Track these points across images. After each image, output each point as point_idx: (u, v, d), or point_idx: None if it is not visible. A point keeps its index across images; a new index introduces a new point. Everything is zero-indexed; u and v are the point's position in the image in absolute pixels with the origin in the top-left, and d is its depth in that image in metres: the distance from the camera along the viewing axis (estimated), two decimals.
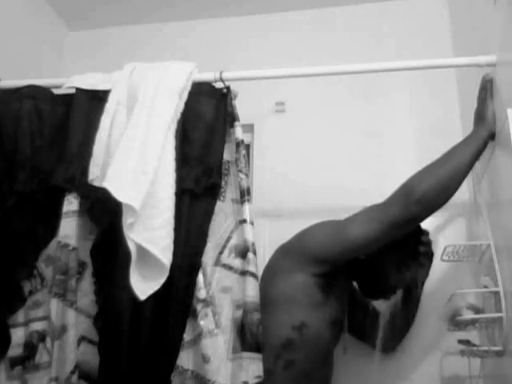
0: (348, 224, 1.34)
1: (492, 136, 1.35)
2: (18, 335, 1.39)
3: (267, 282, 1.41)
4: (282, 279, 1.37)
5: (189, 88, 1.48)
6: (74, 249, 1.38)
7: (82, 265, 1.41)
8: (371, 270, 1.48)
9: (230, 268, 1.35)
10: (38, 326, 1.38)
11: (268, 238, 1.90)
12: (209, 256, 1.36)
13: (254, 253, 1.33)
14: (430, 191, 1.25)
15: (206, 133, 1.45)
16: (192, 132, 1.45)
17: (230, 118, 1.47)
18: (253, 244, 1.33)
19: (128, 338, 1.28)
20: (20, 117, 1.51)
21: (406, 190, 1.28)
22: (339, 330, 1.46)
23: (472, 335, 1.57)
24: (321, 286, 1.35)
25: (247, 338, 1.25)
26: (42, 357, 1.36)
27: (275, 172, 2.06)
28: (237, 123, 1.46)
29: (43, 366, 1.35)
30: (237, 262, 1.35)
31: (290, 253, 1.41)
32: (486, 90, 1.38)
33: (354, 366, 1.70)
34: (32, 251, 1.43)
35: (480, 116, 1.39)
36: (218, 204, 1.41)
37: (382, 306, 1.65)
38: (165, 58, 1.57)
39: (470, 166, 1.31)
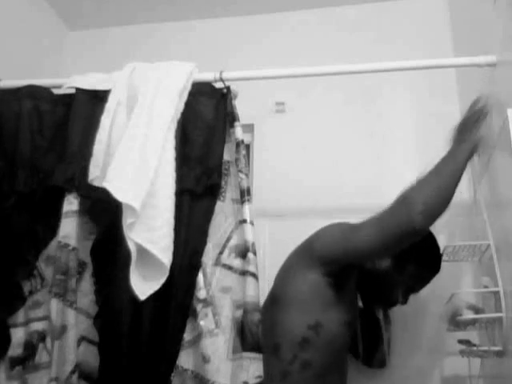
0: (355, 230, 1.33)
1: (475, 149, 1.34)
2: (17, 335, 1.39)
3: (282, 280, 1.42)
4: (295, 278, 1.38)
5: (189, 88, 1.48)
6: (74, 249, 1.38)
7: (81, 265, 1.41)
8: (381, 280, 1.48)
9: (229, 268, 1.35)
10: (38, 326, 1.38)
11: (268, 237, 1.90)
12: (209, 256, 1.36)
13: (254, 253, 1.33)
14: (432, 202, 1.25)
15: (206, 133, 1.45)
16: (192, 132, 1.45)
17: (230, 117, 1.47)
18: (253, 244, 1.33)
19: (128, 338, 1.28)
20: (20, 117, 1.51)
21: (407, 202, 1.26)
22: (352, 331, 1.46)
23: (472, 335, 1.57)
24: (332, 286, 1.35)
25: (247, 338, 1.25)
26: (41, 357, 1.36)
27: (275, 172, 2.06)
28: (237, 123, 1.46)
29: (43, 366, 1.35)
30: (237, 262, 1.35)
31: (301, 252, 1.42)
32: (484, 115, 1.35)
33: (363, 372, 1.71)
34: (32, 251, 1.43)
35: (467, 129, 1.35)
36: (218, 204, 1.41)
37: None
38: (165, 58, 1.57)
39: (462, 172, 1.31)
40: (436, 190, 1.27)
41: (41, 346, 1.36)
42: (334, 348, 1.36)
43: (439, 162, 1.32)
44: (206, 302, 1.31)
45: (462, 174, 1.30)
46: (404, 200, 1.28)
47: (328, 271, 1.35)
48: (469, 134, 1.33)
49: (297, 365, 1.31)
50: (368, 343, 1.65)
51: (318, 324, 1.33)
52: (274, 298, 1.40)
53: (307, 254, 1.39)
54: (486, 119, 1.34)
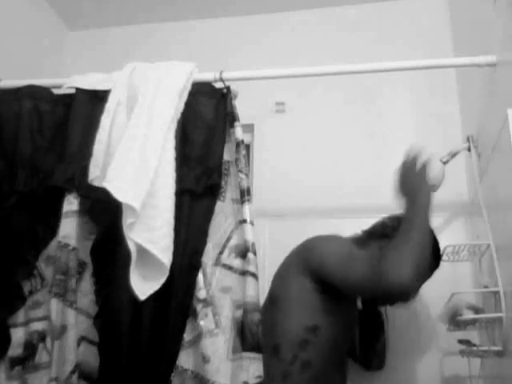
0: (353, 258, 1.30)
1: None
2: (17, 335, 1.39)
3: (280, 281, 1.41)
4: (293, 280, 1.37)
5: (189, 88, 1.48)
6: (73, 249, 1.38)
7: (81, 265, 1.41)
8: None
9: (229, 268, 1.35)
10: (38, 326, 1.38)
11: (268, 237, 1.90)
12: (209, 256, 1.36)
13: (254, 253, 1.33)
14: (414, 271, 1.17)
15: (206, 133, 1.45)
16: (192, 132, 1.45)
17: (230, 117, 1.47)
18: (253, 244, 1.33)
19: (128, 338, 1.28)
20: (20, 117, 1.51)
21: (390, 281, 1.17)
22: (352, 333, 1.46)
23: (472, 335, 1.57)
24: (329, 291, 1.34)
25: (247, 338, 1.25)
26: (41, 357, 1.36)
27: (275, 172, 2.06)
28: (237, 123, 1.46)
29: (43, 366, 1.35)
30: (237, 262, 1.35)
31: (298, 260, 1.40)
32: (420, 163, 1.32)
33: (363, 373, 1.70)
34: (32, 251, 1.43)
35: (410, 181, 1.31)
36: (218, 204, 1.41)
37: None
38: (165, 58, 1.57)
39: (429, 225, 1.27)
40: (413, 258, 1.19)
41: (41, 345, 1.36)
42: (334, 348, 1.36)
43: (403, 227, 1.25)
44: (206, 302, 1.31)
45: (429, 227, 1.27)
46: (388, 277, 1.18)
47: (324, 286, 1.33)
48: (417, 187, 1.29)
49: (297, 365, 1.31)
50: (365, 345, 1.64)
51: (315, 327, 1.32)
52: (273, 299, 1.40)
53: (304, 264, 1.36)
54: (424, 165, 1.31)
